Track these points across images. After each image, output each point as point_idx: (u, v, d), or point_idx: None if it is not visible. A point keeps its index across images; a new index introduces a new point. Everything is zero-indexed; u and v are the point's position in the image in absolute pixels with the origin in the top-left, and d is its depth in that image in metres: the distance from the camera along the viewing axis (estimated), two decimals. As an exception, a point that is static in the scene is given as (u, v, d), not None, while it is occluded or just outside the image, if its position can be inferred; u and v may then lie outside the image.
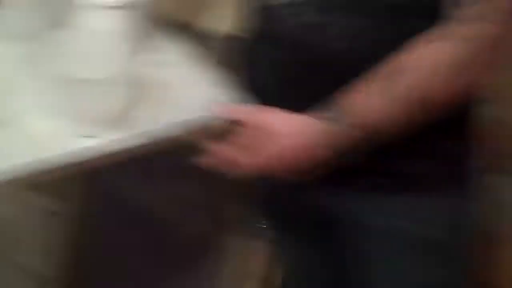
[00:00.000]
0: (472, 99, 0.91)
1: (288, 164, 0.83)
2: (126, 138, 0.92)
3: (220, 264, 1.50)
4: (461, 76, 0.81)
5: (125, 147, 0.93)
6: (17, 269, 1.90)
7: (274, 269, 1.38)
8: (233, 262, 1.49)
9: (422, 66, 0.81)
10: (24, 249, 1.95)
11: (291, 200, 1.03)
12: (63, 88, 0.88)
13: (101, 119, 0.91)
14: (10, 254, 1.92)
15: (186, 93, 0.99)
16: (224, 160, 0.85)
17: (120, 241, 1.65)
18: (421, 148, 0.91)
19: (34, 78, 0.89)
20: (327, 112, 0.83)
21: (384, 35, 0.83)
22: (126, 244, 1.64)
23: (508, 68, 0.93)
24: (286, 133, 0.83)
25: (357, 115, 0.82)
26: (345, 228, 1.02)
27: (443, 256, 0.98)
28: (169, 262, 1.59)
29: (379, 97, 0.82)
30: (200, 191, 1.52)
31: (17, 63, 0.93)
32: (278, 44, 0.89)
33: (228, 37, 1.10)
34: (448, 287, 0.99)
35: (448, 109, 0.83)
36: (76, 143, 0.89)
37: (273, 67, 0.91)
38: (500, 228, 1.36)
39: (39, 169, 0.85)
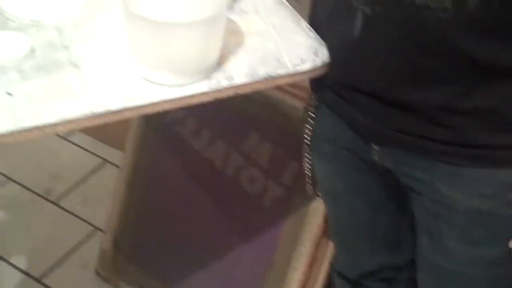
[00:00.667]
0: None
1: None
2: (213, 91, 0.89)
3: (279, 223, 1.48)
4: None
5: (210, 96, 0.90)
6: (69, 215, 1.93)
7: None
8: (291, 222, 1.47)
9: None
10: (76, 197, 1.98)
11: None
12: (152, 31, 0.84)
13: (191, 66, 0.88)
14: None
15: (280, 43, 0.95)
16: None
17: (176, 195, 1.64)
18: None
19: (127, 19, 0.85)
20: None
21: None
22: (184, 198, 1.63)
23: None
24: None
25: None
26: (415, 195, 1.01)
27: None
28: (227, 219, 1.57)
29: None
30: (265, 148, 1.49)
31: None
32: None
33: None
34: None
35: None
36: (160, 92, 0.86)
37: (366, 22, 0.87)
38: None
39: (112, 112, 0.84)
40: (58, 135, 2.17)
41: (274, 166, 1.48)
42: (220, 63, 0.91)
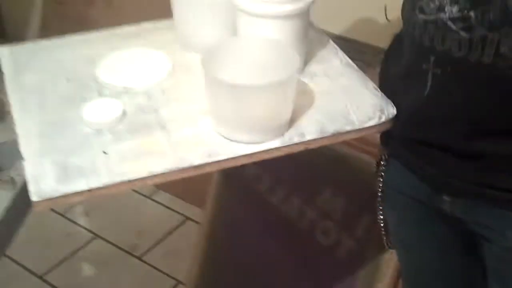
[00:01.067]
0: None
1: None
2: (286, 146, 0.97)
3: (353, 275, 1.52)
4: None
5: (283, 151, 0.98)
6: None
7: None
8: (364, 274, 1.51)
9: None
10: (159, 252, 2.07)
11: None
12: (231, 94, 0.93)
13: (266, 125, 0.96)
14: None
15: (348, 102, 1.03)
16: None
17: (254, 248, 1.71)
18: None
19: (207, 84, 0.95)
20: None
21: None
22: (260, 252, 1.70)
23: None
24: None
25: None
26: (486, 244, 1.04)
27: None
28: (302, 271, 1.62)
29: None
30: (338, 202, 1.55)
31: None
32: (445, 59, 0.90)
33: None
34: None
35: None
36: (238, 149, 0.96)
37: (437, 82, 0.93)
38: None
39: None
40: (143, 194, 2.29)
41: (347, 219, 1.54)
42: (292, 121, 1.00)
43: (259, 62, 0.99)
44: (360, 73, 1.11)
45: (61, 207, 0.78)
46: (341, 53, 1.16)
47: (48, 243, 2.12)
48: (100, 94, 1.08)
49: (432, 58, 0.91)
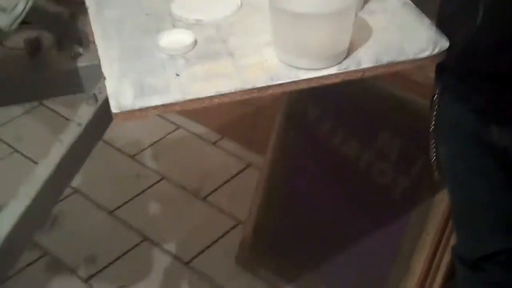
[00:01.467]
0: None
1: None
2: (342, 73, 1.05)
3: (406, 213, 1.59)
4: None
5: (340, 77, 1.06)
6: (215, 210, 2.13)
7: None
8: (417, 212, 1.58)
9: None
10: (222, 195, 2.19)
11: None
12: (292, 22, 1.01)
13: (325, 52, 1.04)
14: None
15: (403, 35, 1.09)
16: None
17: (312, 189, 1.80)
18: None
19: (272, 13, 1.03)
20: None
21: None
22: (318, 192, 1.78)
23: None
24: None
25: None
26: None
27: None
28: (359, 210, 1.70)
29: None
30: (394, 144, 1.62)
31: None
32: None
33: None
34: None
35: None
36: (298, 74, 1.04)
37: (487, 10, 0.98)
38: None
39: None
40: (209, 141, 2.41)
41: (403, 161, 1.60)
42: (349, 52, 1.07)
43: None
44: (417, 10, 1.18)
45: (137, 118, 0.88)
46: (398, -7, 1.22)
47: (119, 182, 2.26)
48: (174, 26, 1.18)
49: None
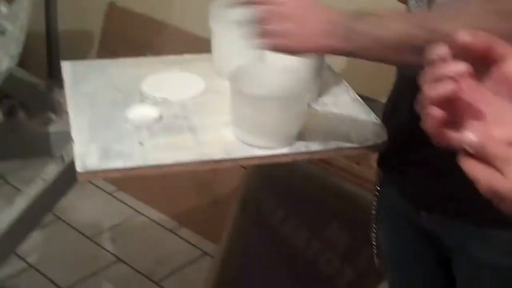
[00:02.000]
0: None
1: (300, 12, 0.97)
2: (293, 153, 1.15)
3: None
4: None
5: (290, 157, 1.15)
6: None
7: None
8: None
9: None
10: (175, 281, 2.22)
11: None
12: (250, 104, 1.12)
13: (278, 133, 1.14)
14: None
15: (351, 126, 1.21)
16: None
17: (262, 277, 1.86)
18: None
19: (232, 95, 1.14)
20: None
21: None
22: (268, 281, 1.84)
23: None
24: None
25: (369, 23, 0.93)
26: (456, 257, 1.16)
27: None
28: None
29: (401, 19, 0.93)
30: (342, 235, 1.71)
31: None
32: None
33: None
34: None
35: None
36: (252, 151, 1.14)
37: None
38: None
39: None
40: (166, 228, 2.47)
41: (349, 252, 1.69)
42: (301, 136, 1.18)
43: (278, 82, 1.18)
44: (366, 107, 1.30)
45: (99, 179, 0.94)
46: (351, 90, 1.35)
47: (75, 261, 2.29)
48: (142, 102, 1.28)
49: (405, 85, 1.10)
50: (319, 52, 1.04)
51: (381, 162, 1.25)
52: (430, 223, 1.16)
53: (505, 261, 1.07)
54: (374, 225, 1.32)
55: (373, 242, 1.35)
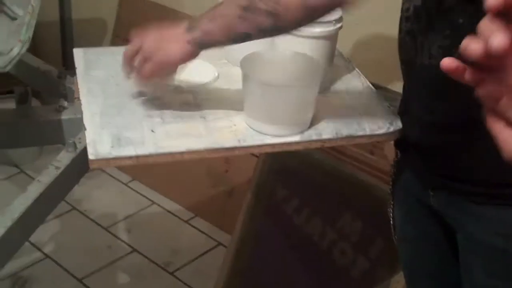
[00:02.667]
0: None
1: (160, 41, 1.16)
2: (304, 141, 1.14)
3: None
4: None
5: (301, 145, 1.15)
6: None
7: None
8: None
9: None
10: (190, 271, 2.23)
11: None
12: (262, 92, 1.12)
13: (289, 121, 1.14)
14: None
15: (363, 114, 1.20)
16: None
17: (276, 267, 1.86)
18: None
19: (244, 83, 1.14)
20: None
21: None
22: (282, 270, 1.84)
23: None
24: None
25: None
26: (458, 235, 1.16)
27: None
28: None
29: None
30: (356, 225, 1.70)
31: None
32: (406, 64, 1.09)
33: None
34: None
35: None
36: (264, 139, 1.13)
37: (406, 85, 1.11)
38: None
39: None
40: (182, 219, 2.47)
41: (363, 242, 1.68)
42: (313, 124, 1.17)
43: (290, 70, 1.18)
44: (378, 94, 1.29)
45: (112, 166, 0.95)
46: (363, 78, 1.34)
47: (90, 252, 2.30)
48: (154, 89, 1.28)
49: (402, 67, 1.10)
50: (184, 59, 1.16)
51: (397, 143, 1.25)
52: (436, 201, 1.16)
53: (499, 241, 1.08)
54: (391, 202, 1.32)
55: (391, 219, 1.34)
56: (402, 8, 1.11)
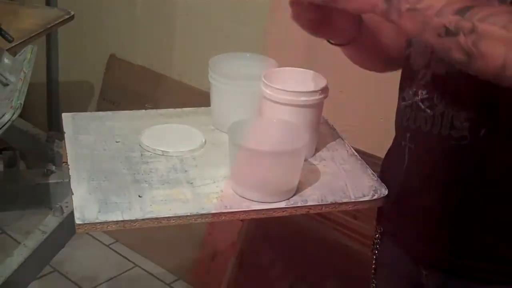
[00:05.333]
0: None
1: None
2: (290, 207, 1.16)
3: None
4: None
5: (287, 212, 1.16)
6: None
7: None
8: None
9: None
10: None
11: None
12: (248, 158, 1.14)
13: (275, 188, 1.15)
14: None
15: (348, 181, 1.22)
16: None
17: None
18: None
19: (230, 149, 1.15)
20: None
21: None
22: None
23: None
24: None
25: None
26: None
27: None
28: None
29: None
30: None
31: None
32: (417, 134, 1.10)
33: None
34: None
35: None
36: (250, 205, 1.15)
37: (412, 155, 1.12)
38: None
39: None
40: (165, 282, 2.45)
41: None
42: (298, 190, 1.19)
43: (276, 137, 1.20)
44: (362, 162, 1.31)
45: (98, 231, 0.96)
46: (347, 145, 1.36)
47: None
48: (142, 154, 1.29)
49: (408, 135, 1.11)
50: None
51: (379, 217, 1.26)
52: (428, 278, 1.16)
53: None
54: (374, 281, 1.32)
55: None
56: (406, 76, 1.13)
